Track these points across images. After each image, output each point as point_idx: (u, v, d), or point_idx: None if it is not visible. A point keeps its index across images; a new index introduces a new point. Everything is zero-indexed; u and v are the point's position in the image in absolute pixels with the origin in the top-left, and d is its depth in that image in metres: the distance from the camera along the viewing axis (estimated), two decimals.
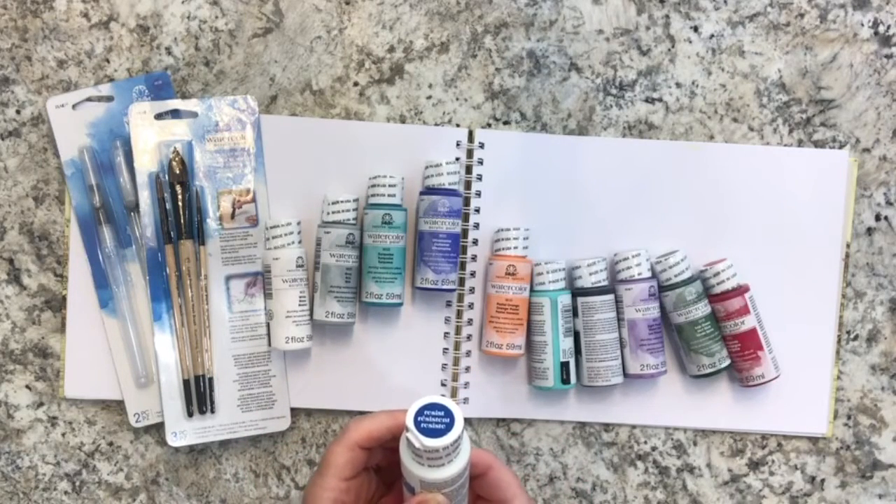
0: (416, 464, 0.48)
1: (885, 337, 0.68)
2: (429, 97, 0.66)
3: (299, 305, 0.63)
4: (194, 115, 0.65)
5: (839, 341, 0.68)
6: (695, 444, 0.68)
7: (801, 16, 0.67)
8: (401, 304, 0.65)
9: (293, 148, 0.65)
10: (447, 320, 0.66)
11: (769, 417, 0.67)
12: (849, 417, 0.68)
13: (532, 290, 0.65)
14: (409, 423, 0.46)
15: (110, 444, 0.67)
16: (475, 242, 0.66)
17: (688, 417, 0.67)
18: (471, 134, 0.66)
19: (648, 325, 0.64)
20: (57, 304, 0.66)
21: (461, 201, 0.65)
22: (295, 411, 0.66)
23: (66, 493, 0.67)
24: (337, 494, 0.50)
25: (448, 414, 0.46)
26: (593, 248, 0.66)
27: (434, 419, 0.46)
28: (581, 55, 0.66)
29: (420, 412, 0.46)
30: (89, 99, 0.65)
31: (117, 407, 0.66)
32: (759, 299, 0.65)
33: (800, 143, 0.67)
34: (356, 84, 0.66)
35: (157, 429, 0.66)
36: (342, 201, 0.63)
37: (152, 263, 0.64)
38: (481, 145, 0.66)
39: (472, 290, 0.66)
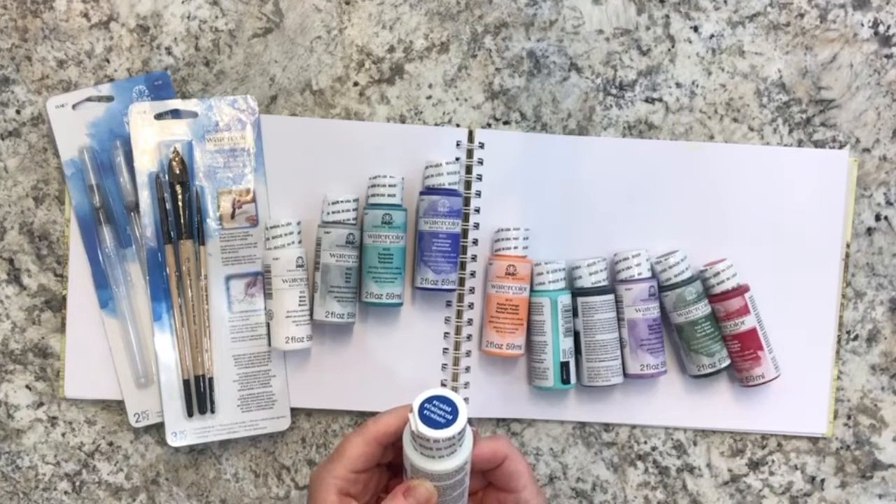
0: (412, 447, 0.48)
1: (885, 337, 0.68)
2: (429, 97, 0.66)
3: (299, 305, 0.63)
4: (194, 115, 0.65)
5: (839, 341, 0.68)
6: (695, 444, 0.68)
7: (801, 16, 0.67)
8: (401, 304, 0.65)
9: (293, 148, 0.65)
10: (447, 320, 0.66)
11: (769, 417, 0.67)
12: (849, 417, 0.68)
13: (532, 290, 0.65)
14: (416, 405, 0.47)
15: (110, 444, 0.67)
16: (475, 242, 0.66)
17: (688, 417, 0.67)
18: (471, 134, 0.66)
19: (648, 325, 0.64)
20: (57, 304, 0.66)
21: (461, 201, 0.65)
22: (295, 411, 0.66)
23: (66, 493, 0.67)
24: (343, 484, 0.50)
25: (454, 412, 0.47)
26: (593, 248, 0.66)
27: (439, 412, 0.47)
28: (581, 55, 0.66)
29: (430, 400, 0.47)
30: (89, 99, 0.65)
31: (117, 407, 0.66)
32: (759, 299, 0.65)
33: (800, 143, 0.67)
34: (356, 84, 0.66)
35: (157, 429, 0.66)
36: (342, 201, 0.63)
37: (152, 263, 0.64)
38: (481, 145, 0.66)
39: (472, 290, 0.66)
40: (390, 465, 0.54)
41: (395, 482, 0.54)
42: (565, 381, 0.64)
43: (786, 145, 0.67)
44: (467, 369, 0.66)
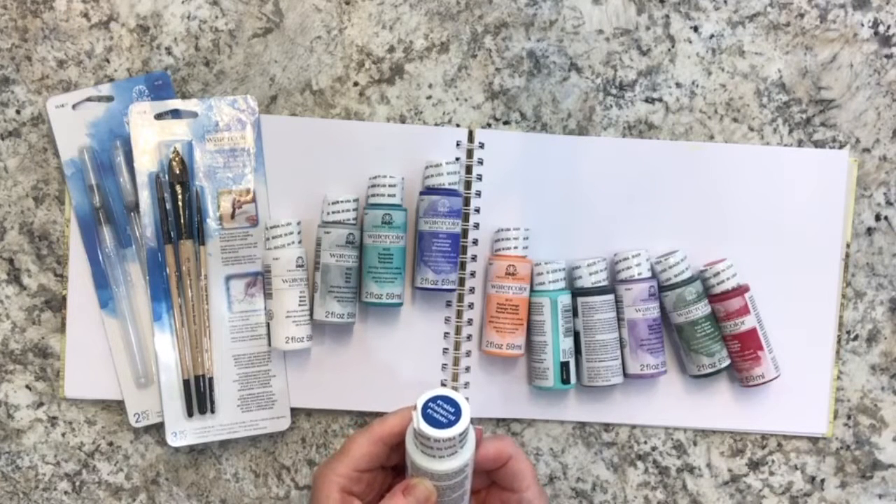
0: (413, 445, 0.48)
1: (885, 337, 0.68)
2: (429, 97, 0.66)
3: (299, 305, 0.63)
4: (194, 115, 0.65)
5: (839, 341, 0.68)
6: (695, 444, 0.68)
7: (801, 16, 0.67)
8: (401, 304, 0.65)
9: (293, 148, 0.65)
10: (447, 320, 0.66)
11: (769, 417, 0.67)
12: (849, 417, 0.68)
13: (532, 290, 0.65)
14: (419, 402, 0.47)
15: (110, 444, 0.67)
16: (475, 242, 0.66)
17: (688, 417, 0.67)
18: (471, 134, 0.66)
19: (648, 325, 0.64)
20: (57, 304, 0.66)
21: (461, 201, 0.65)
22: (295, 411, 0.66)
23: (66, 493, 0.67)
24: (346, 482, 0.50)
25: (457, 413, 0.47)
26: (593, 248, 0.66)
27: (442, 412, 0.47)
28: (581, 55, 0.66)
29: (435, 399, 0.47)
30: (89, 99, 0.65)
31: (117, 407, 0.66)
32: (759, 299, 0.65)
33: (800, 143, 0.67)
34: (356, 84, 0.66)
35: (157, 429, 0.66)
36: (342, 201, 0.63)
37: (152, 263, 0.64)
38: (481, 145, 0.66)
39: (472, 290, 0.66)
40: (396, 468, 0.54)
41: (399, 482, 0.54)
42: (565, 381, 0.64)
43: (786, 145, 0.67)
44: (467, 369, 0.66)
